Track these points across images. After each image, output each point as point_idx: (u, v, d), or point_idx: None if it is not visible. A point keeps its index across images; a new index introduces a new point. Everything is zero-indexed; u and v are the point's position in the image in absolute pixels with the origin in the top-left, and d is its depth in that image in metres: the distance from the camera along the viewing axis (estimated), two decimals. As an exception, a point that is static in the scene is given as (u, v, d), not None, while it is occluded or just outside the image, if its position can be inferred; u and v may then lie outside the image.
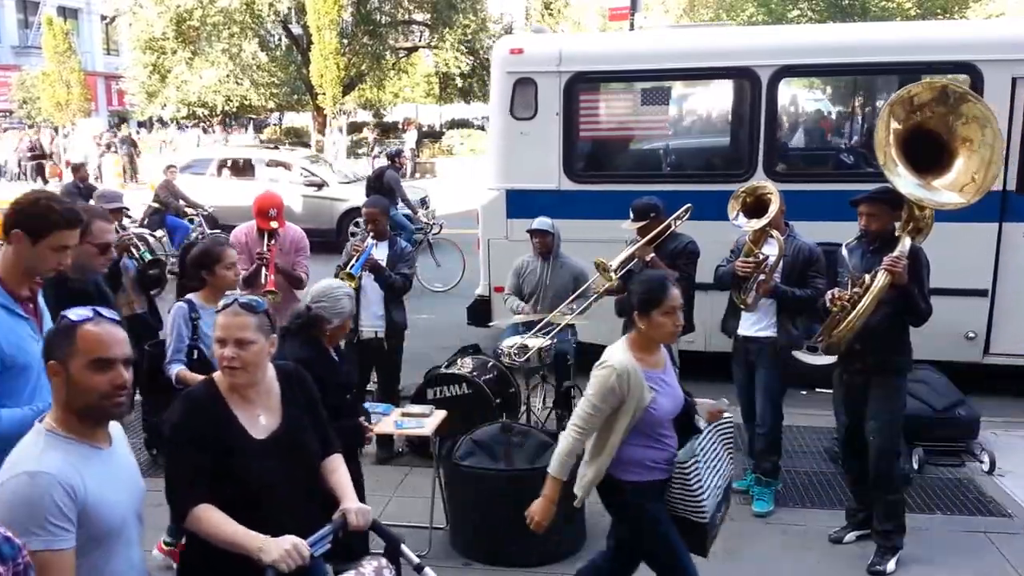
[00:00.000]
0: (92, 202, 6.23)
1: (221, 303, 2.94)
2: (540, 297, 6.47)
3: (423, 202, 15.03)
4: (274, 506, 2.79)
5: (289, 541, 2.61)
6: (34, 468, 2.22)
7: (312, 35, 27.93)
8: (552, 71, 7.69)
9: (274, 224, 5.82)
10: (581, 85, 7.77)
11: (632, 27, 22.23)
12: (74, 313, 2.36)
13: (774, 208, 5.14)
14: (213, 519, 2.69)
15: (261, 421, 2.89)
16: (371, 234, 6.09)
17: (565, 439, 3.64)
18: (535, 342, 6.02)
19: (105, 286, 4.68)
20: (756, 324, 5.38)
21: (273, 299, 5.51)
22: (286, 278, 5.89)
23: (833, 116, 10.23)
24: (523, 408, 6.27)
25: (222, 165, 16.43)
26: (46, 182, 25.70)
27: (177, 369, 4.37)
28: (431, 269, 11.90)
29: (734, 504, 5.47)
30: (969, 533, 5.15)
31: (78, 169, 13.78)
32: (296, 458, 2.91)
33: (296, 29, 31.50)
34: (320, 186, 15.79)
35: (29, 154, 28.74)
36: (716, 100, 8.83)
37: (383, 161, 16.34)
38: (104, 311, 2.43)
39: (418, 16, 33.43)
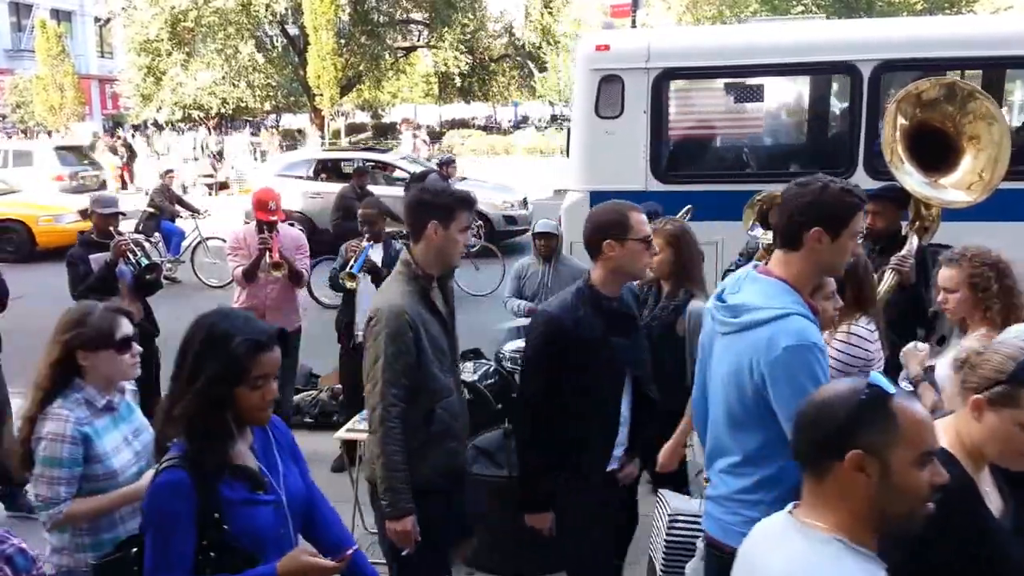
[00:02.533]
0: (88, 206, 6.18)
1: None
2: (541, 300, 6.29)
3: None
4: None
5: None
6: None
7: (309, 35, 27.80)
8: (640, 67, 7.43)
9: (273, 217, 6.01)
10: (670, 82, 7.57)
11: (634, 24, 22.04)
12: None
13: None
14: None
15: None
16: (367, 236, 6.02)
17: None
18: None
19: None
20: None
21: (280, 272, 5.95)
22: (289, 270, 6.03)
23: None
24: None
25: (319, 167, 15.95)
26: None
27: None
28: (469, 274, 11.57)
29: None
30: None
31: (167, 174, 13.91)
32: None
33: (293, 29, 31.44)
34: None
35: None
36: (813, 96, 8.62)
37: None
38: None
39: (416, 15, 33.35)
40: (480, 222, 12.80)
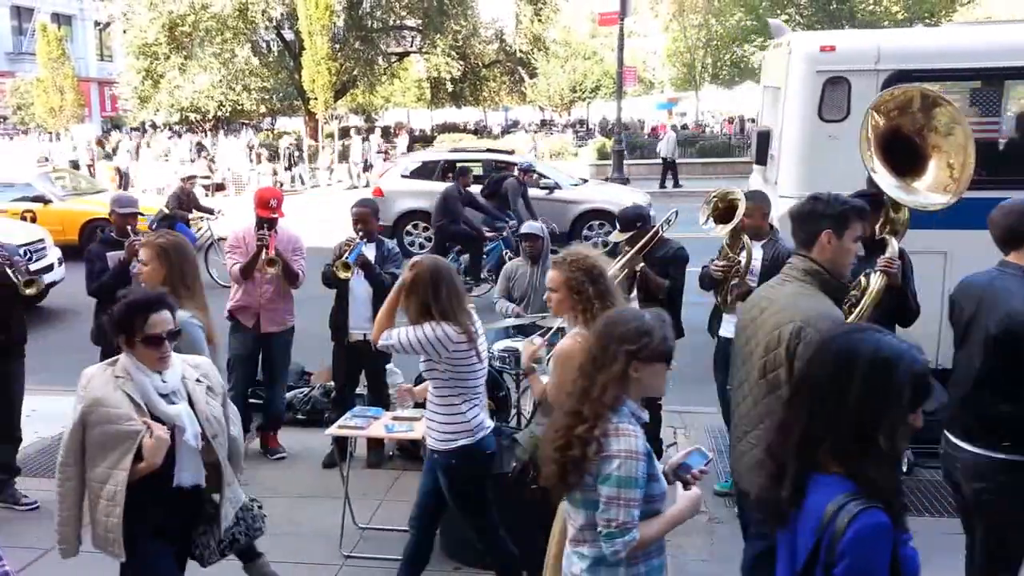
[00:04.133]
0: (109, 206, 6.35)
1: None
2: (530, 300, 6.49)
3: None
4: None
5: None
6: None
7: (304, 40, 27.97)
8: (869, 69, 7.09)
9: (274, 214, 6.18)
10: (902, 84, 7.33)
11: (622, 32, 22.10)
12: None
13: (740, 213, 5.15)
14: None
15: None
16: (360, 233, 6.10)
17: None
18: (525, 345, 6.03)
19: None
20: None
21: (274, 269, 6.09)
22: (284, 269, 6.16)
23: None
24: (513, 411, 6.27)
25: (447, 168, 15.74)
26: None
27: None
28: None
29: (724, 507, 5.54)
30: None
31: (188, 179, 14.03)
32: None
33: (288, 34, 31.61)
34: (552, 188, 15.36)
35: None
36: None
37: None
38: None
39: (409, 22, 33.55)
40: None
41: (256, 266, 6.15)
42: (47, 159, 19.23)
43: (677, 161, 25.60)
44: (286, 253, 6.24)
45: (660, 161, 25.48)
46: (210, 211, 13.65)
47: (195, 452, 3.32)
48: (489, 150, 19.28)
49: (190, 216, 13.42)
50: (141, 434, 3.12)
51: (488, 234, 12.12)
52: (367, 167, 27.44)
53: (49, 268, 10.63)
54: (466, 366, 3.99)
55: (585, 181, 17.82)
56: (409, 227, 15.40)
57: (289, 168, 28.54)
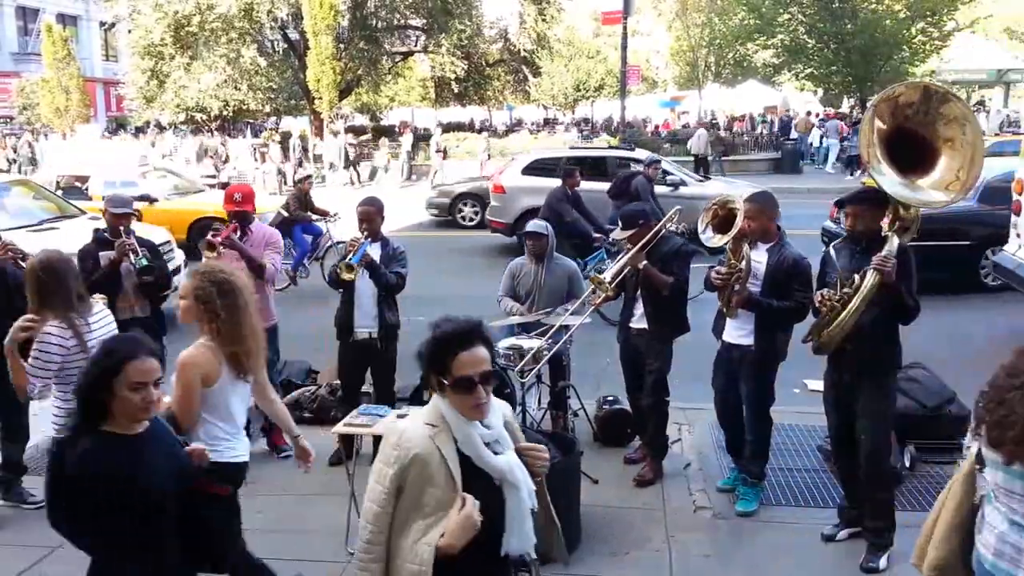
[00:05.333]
0: (103, 206, 6.38)
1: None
2: (535, 298, 6.53)
3: None
4: None
5: None
6: None
7: (309, 40, 28.03)
8: None
9: (239, 208, 6.28)
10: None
11: (625, 30, 22.09)
12: None
13: (739, 223, 5.11)
14: None
15: None
16: (365, 233, 6.09)
17: None
18: (531, 343, 6.07)
19: None
20: (739, 331, 5.37)
21: (213, 253, 5.93)
22: (247, 262, 6.01)
23: None
24: (518, 408, 6.31)
25: (570, 165, 15.16)
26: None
27: None
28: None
29: (725, 503, 5.57)
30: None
31: (304, 180, 13.80)
32: None
33: (293, 34, 31.67)
34: (677, 185, 15.04)
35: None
36: None
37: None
38: None
39: (414, 21, 33.57)
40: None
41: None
42: (146, 158, 19.02)
43: (708, 158, 25.86)
44: (259, 248, 6.25)
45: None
46: (327, 213, 13.30)
47: (527, 514, 2.74)
48: (610, 147, 18.66)
49: (310, 216, 13.18)
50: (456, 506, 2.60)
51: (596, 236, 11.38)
52: (348, 165, 27.92)
53: (177, 270, 10.25)
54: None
55: (708, 177, 17.45)
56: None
57: (301, 165, 28.70)
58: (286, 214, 12.74)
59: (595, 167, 15.24)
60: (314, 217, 13.27)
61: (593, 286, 5.93)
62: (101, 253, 5.97)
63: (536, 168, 15.47)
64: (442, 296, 8.86)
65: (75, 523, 2.96)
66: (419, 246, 13.05)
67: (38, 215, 10.76)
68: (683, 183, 15.19)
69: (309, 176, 14.43)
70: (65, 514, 2.95)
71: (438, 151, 28.08)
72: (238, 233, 6.25)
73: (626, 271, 5.72)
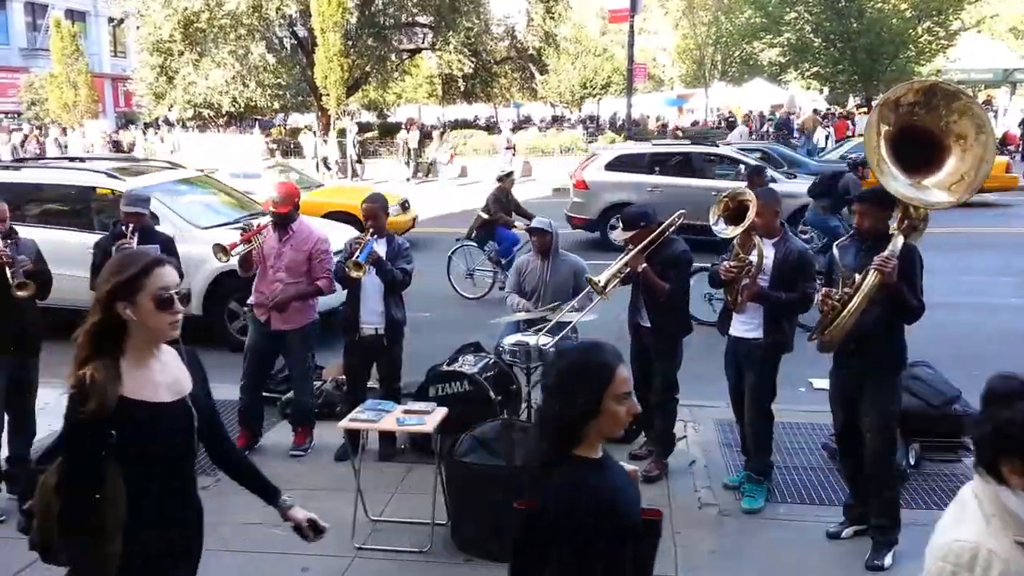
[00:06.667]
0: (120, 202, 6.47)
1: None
2: (541, 295, 6.54)
3: None
4: None
5: None
6: None
7: (317, 37, 28.05)
8: None
9: (272, 208, 6.36)
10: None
11: (632, 29, 22.06)
12: None
13: (751, 215, 5.14)
14: None
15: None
16: (371, 230, 6.11)
17: None
18: (536, 339, 6.07)
19: None
20: (745, 325, 5.39)
21: (223, 257, 6.18)
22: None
23: None
24: (524, 405, 6.32)
25: (654, 161, 15.30)
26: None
27: None
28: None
29: (730, 500, 5.58)
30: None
31: (506, 178, 12.21)
32: None
33: (302, 31, 31.69)
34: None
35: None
36: None
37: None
38: None
39: (422, 19, 33.55)
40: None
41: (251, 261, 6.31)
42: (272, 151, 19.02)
43: None
44: (303, 247, 6.30)
45: None
46: (531, 216, 11.32)
47: None
48: (693, 142, 18.25)
49: (513, 220, 11.96)
50: None
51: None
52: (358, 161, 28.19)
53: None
54: None
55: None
56: (613, 220, 13.85)
57: (359, 161, 28.95)
58: (486, 216, 11.76)
59: (678, 163, 15.24)
60: (517, 222, 11.82)
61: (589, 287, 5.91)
62: (113, 248, 5.95)
63: (619, 164, 15.34)
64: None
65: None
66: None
67: (231, 213, 10.07)
68: (772, 179, 14.44)
69: (511, 173, 12.73)
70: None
71: (508, 147, 28.19)
72: (263, 235, 6.33)
73: (625, 272, 5.72)
